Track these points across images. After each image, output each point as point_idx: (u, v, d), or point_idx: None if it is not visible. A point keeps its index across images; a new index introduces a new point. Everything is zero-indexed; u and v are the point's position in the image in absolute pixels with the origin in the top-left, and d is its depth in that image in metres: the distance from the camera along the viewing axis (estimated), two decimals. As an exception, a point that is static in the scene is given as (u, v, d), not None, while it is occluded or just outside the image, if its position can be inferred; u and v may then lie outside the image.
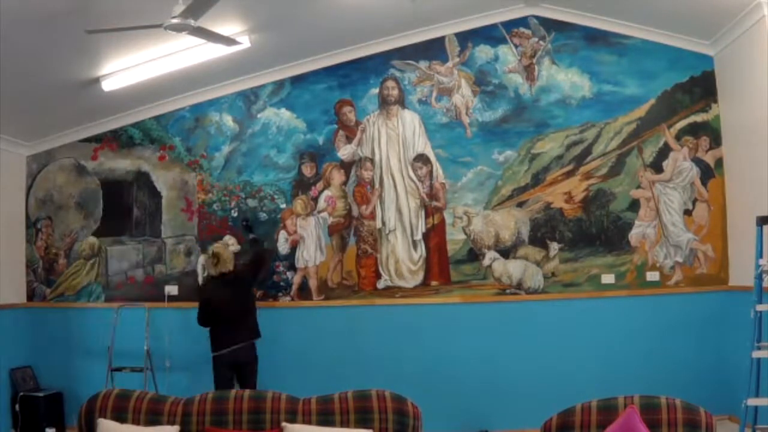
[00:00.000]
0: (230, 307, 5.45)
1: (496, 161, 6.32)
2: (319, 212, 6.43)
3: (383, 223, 6.37)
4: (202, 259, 6.43)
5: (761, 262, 4.66)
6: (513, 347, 6.10)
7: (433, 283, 6.31)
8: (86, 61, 5.45)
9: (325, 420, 3.32)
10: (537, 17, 6.32)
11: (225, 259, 5.55)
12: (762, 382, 4.61)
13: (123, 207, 6.59)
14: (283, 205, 6.47)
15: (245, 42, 5.48)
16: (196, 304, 6.22)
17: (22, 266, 6.62)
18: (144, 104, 6.50)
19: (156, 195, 6.58)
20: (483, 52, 6.40)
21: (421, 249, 6.33)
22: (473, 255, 6.29)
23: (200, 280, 6.43)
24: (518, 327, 6.16)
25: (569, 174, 6.26)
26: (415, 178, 6.37)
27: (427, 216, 6.36)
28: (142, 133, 6.63)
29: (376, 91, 6.47)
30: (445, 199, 6.34)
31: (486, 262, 6.25)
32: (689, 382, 5.71)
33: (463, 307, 6.24)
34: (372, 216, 6.38)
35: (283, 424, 3.29)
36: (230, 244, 6.42)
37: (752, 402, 4.55)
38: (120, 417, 3.40)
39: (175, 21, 4.20)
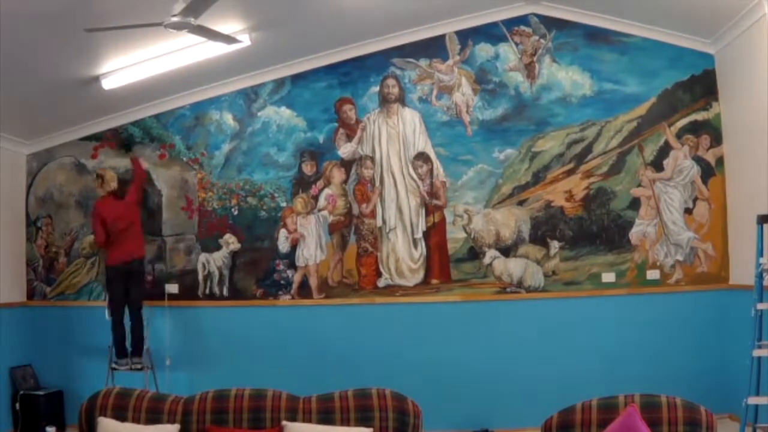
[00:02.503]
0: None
1: (496, 159, 6.32)
2: (320, 210, 6.43)
3: (384, 222, 6.37)
4: (203, 257, 6.45)
5: (762, 260, 4.66)
6: (513, 346, 6.10)
7: (434, 281, 6.31)
8: (86, 60, 5.45)
9: (325, 418, 3.32)
10: (538, 15, 6.32)
11: (108, 179, 6.16)
12: (762, 381, 4.62)
13: (123, 205, 6.58)
14: (284, 204, 6.47)
15: (245, 40, 5.47)
16: (197, 303, 6.26)
17: (22, 265, 6.62)
18: (144, 102, 6.50)
19: (156, 193, 6.57)
20: (483, 50, 6.39)
21: (422, 247, 6.33)
22: (474, 253, 6.29)
23: (200, 277, 6.44)
24: (519, 325, 6.16)
25: (570, 172, 6.26)
26: (415, 177, 6.37)
27: (427, 214, 6.35)
28: (142, 132, 6.62)
29: (376, 89, 6.46)
30: (446, 198, 6.34)
31: (486, 260, 6.24)
32: (690, 380, 5.71)
33: (464, 305, 6.24)
34: (372, 214, 6.38)
35: (284, 422, 3.29)
36: (230, 242, 6.43)
37: (753, 401, 4.56)
38: (120, 415, 3.40)
39: (175, 19, 4.20)
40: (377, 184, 6.40)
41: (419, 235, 6.34)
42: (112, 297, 6.06)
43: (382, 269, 6.34)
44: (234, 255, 6.45)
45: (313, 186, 6.45)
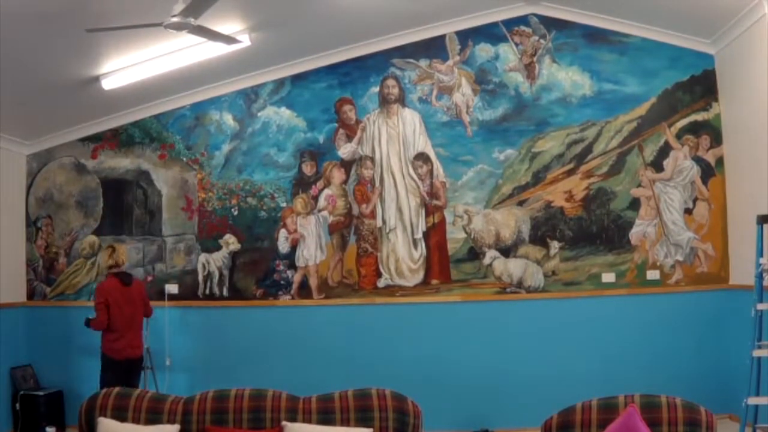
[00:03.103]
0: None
1: (496, 160, 6.32)
2: (320, 211, 6.43)
3: (384, 222, 6.37)
4: (203, 257, 6.45)
5: (761, 260, 4.66)
6: (513, 346, 6.10)
7: (434, 281, 6.31)
8: (86, 60, 5.45)
9: (325, 419, 3.32)
10: (537, 15, 6.32)
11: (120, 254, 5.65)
12: (762, 381, 4.61)
13: (123, 206, 6.59)
14: (284, 204, 6.47)
15: (245, 40, 5.47)
16: (197, 303, 6.24)
17: (22, 265, 6.62)
18: (144, 103, 6.50)
19: (156, 194, 6.58)
20: (483, 51, 6.39)
21: (422, 248, 6.33)
22: (474, 254, 6.29)
23: (200, 278, 6.44)
24: (518, 326, 6.16)
25: (570, 173, 6.26)
26: (415, 177, 6.37)
27: (427, 215, 6.35)
28: (142, 132, 6.63)
29: (376, 89, 6.46)
30: (446, 198, 6.34)
31: (486, 260, 6.24)
32: (690, 380, 5.71)
33: (464, 305, 6.24)
34: (372, 215, 6.38)
35: (284, 422, 3.29)
36: (230, 242, 6.43)
37: (752, 401, 4.55)
38: (120, 416, 3.40)
39: (175, 19, 4.20)
40: (377, 184, 6.40)
41: (419, 235, 6.34)
42: (105, 386, 4.81)
43: (382, 269, 6.34)
44: (234, 255, 6.46)
45: (313, 186, 6.45)
